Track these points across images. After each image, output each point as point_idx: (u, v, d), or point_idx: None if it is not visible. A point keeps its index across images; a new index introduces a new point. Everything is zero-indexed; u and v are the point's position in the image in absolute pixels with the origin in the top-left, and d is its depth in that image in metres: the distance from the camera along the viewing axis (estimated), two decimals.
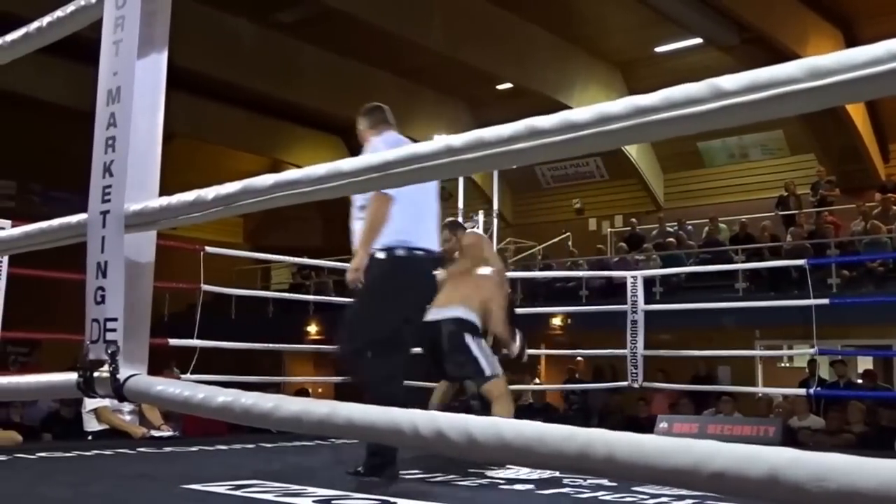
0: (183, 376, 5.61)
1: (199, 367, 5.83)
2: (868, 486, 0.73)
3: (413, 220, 3.60)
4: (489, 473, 3.75)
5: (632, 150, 16.00)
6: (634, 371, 7.20)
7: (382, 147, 3.51)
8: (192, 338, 5.91)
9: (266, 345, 6.85)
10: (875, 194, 12.60)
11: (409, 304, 3.76)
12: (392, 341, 3.61)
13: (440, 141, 1.18)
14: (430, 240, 3.71)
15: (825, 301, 7.07)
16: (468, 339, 4.48)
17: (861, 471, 0.74)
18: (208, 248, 6.13)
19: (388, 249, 3.54)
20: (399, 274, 3.57)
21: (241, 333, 6.76)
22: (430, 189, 3.76)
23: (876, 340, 10.51)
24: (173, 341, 5.77)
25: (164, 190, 1.66)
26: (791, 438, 6.67)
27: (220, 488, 3.05)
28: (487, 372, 4.44)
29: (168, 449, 4.85)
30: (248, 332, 7.32)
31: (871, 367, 10.40)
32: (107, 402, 5.53)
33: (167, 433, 5.83)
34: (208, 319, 6.17)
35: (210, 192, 1.52)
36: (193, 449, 4.76)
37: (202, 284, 6.09)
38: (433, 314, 4.47)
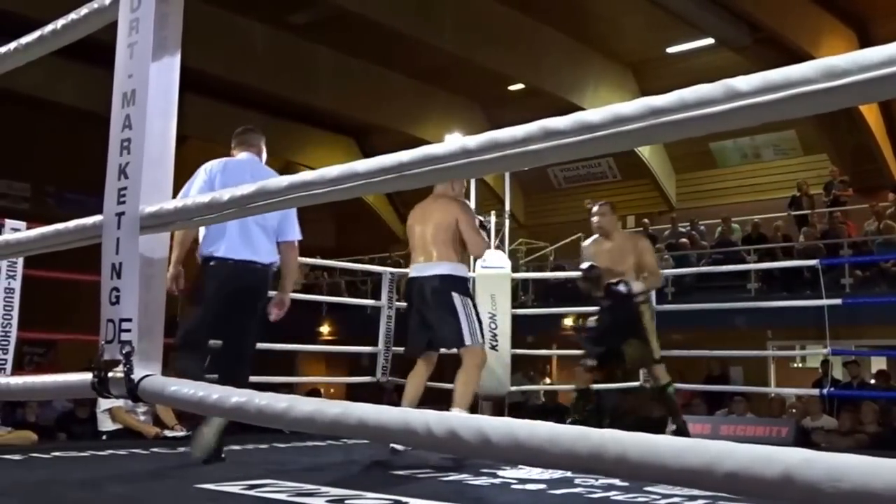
0: None
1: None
2: (884, 486, 0.72)
3: (218, 233, 3.85)
4: (501, 473, 3.74)
5: (644, 151, 15.94)
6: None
7: (204, 173, 3.89)
8: None
9: (278, 345, 6.86)
10: (888, 194, 12.51)
11: (218, 305, 3.94)
12: (201, 339, 4.02)
13: (455, 142, 1.18)
14: (240, 249, 3.90)
15: (838, 301, 7.03)
16: (455, 298, 4.38)
17: (876, 471, 0.73)
18: None
19: (202, 259, 3.93)
20: (206, 279, 3.92)
21: None
22: None
23: (889, 341, 10.43)
24: None
25: (178, 192, 1.67)
26: (804, 439, 6.63)
27: (233, 488, 3.05)
28: (467, 340, 4.35)
29: (182, 449, 4.85)
30: (260, 332, 7.30)
31: (884, 367, 10.34)
32: (121, 401, 5.55)
33: (181, 433, 5.85)
34: None
35: (225, 194, 1.52)
36: None
37: None
38: (416, 271, 4.44)
